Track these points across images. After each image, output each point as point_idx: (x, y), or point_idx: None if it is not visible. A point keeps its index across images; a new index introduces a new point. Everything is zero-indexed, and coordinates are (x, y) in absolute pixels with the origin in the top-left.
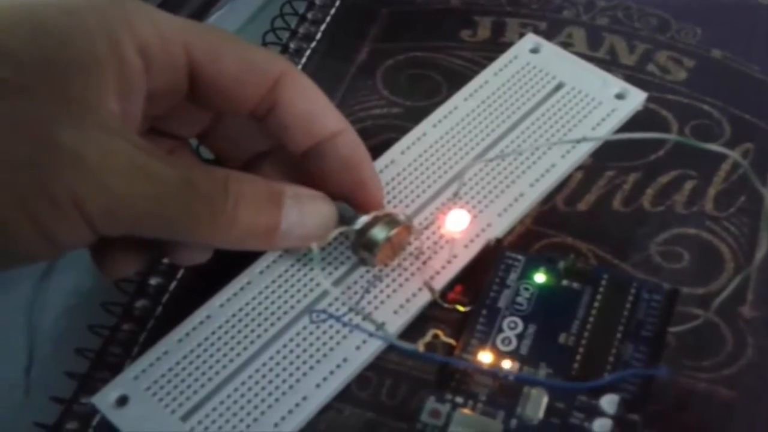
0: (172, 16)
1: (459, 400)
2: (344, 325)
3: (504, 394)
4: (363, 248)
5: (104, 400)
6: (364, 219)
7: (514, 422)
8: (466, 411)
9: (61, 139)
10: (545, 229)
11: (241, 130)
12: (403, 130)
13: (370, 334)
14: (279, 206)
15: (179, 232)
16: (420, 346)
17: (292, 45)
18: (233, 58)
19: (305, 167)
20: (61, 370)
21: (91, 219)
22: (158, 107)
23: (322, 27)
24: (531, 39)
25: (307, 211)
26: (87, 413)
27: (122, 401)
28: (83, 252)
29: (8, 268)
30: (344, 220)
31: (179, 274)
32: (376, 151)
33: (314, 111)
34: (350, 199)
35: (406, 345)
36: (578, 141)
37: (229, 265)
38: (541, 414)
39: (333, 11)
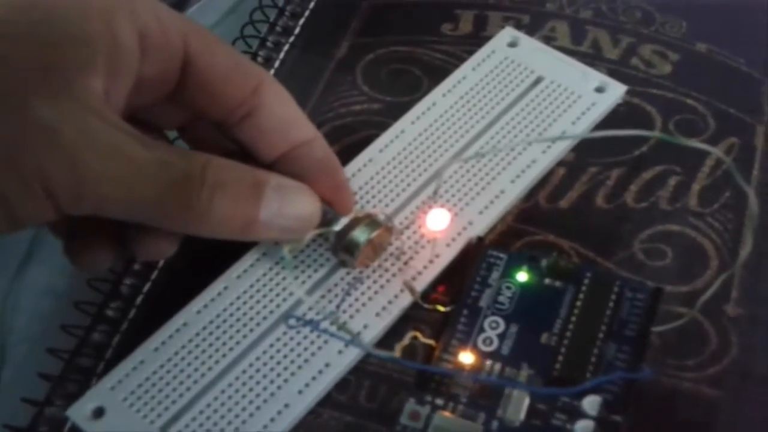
0: (172, 10)
1: (439, 402)
2: (321, 332)
3: (485, 395)
4: (344, 250)
5: (80, 412)
6: (344, 220)
7: (495, 424)
8: (446, 413)
9: (35, 113)
10: (527, 226)
11: (215, 132)
12: (384, 126)
13: (346, 344)
14: (259, 197)
15: (149, 216)
16: (397, 350)
17: (270, 39)
18: (225, 55)
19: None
20: (33, 371)
21: (56, 196)
22: (145, 96)
23: (301, 21)
24: (509, 33)
25: (288, 203)
26: (60, 418)
27: (99, 413)
28: (57, 251)
29: None
30: (323, 221)
31: (153, 276)
32: (356, 148)
33: (291, 117)
34: (324, 202)
35: (383, 353)
36: (558, 138)
37: (204, 266)
38: (522, 416)
39: (312, 5)
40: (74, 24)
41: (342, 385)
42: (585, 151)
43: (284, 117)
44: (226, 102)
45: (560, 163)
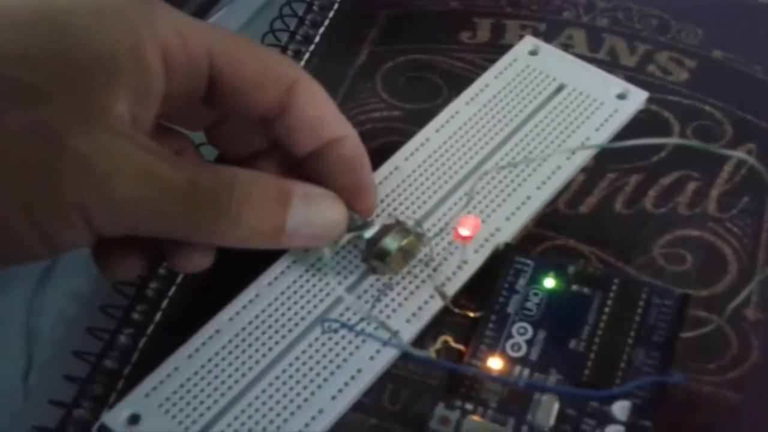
0: (196, 20)
1: (469, 406)
2: (357, 334)
3: (514, 400)
4: (375, 258)
5: (116, 419)
6: (374, 228)
7: (524, 429)
8: (476, 418)
9: (71, 145)
10: (548, 231)
11: (245, 127)
12: (404, 133)
13: (384, 343)
14: (286, 207)
15: (181, 232)
16: (431, 354)
17: (290, 47)
18: (253, 64)
19: (304, 169)
20: (59, 373)
21: (93, 223)
22: (173, 108)
23: (321, 29)
24: (529, 41)
25: (315, 211)
26: (87, 420)
27: (134, 419)
28: (82, 255)
29: (5, 266)
30: (354, 228)
31: (178, 280)
32: (377, 155)
33: (324, 116)
34: (347, 201)
35: (420, 353)
36: (592, 147)
37: (228, 269)
38: (552, 421)
39: (332, 14)
40: (104, 50)
41: None
42: (604, 157)
43: (315, 115)
44: (256, 107)
45: (580, 169)
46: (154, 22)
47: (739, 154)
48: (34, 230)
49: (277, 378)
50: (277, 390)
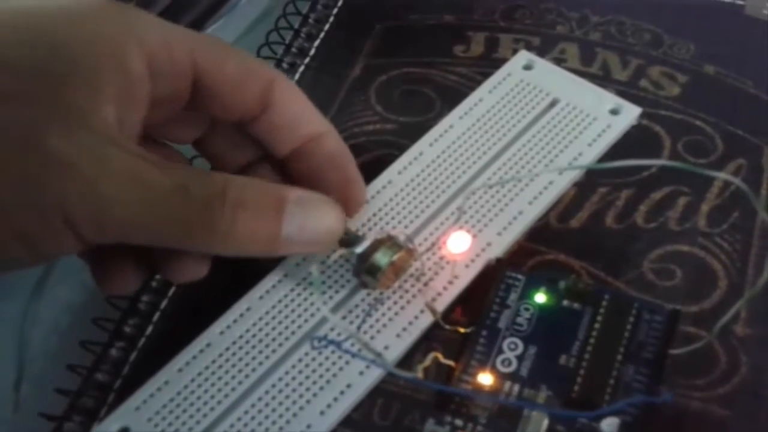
0: (176, 26)
1: (458, 422)
2: (344, 352)
3: (504, 417)
4: (366, 272)
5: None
6: (366, 243)
7: None
8: None
9: (51, 149)
10: (538, 245)
11: (233, 137)
12: (397, 146)
13: (371, 362)
14: (280, 213)
15: (173, 240)
16: (419, 372)
17: (286, 60)
18: (234, 63)
19: (290, 171)
20: (51, 386)
21: (78, 229)
22: (160, 114)
23: (316, 42)
24: (524, 56)
25: (310, 217)
26: None
27: None
28: (76, 267)
29: None
30: (346, 242)
31: (170, 293)
32: (371, 168)
33: (303, 113)
34: (337, 197)
35: (405, 374)
36: (577, 168)
37: (219, 282)
38: None
39: (327, 27)
40: (83, 55)
41: None
42: (595, 171)
43: (295, 113)
44: (238, 106)
45: (571, 184)
46: (138, 27)
47: (724, 175)
48: (17, 238)
49: (266, 392)
50: (267, 405)
